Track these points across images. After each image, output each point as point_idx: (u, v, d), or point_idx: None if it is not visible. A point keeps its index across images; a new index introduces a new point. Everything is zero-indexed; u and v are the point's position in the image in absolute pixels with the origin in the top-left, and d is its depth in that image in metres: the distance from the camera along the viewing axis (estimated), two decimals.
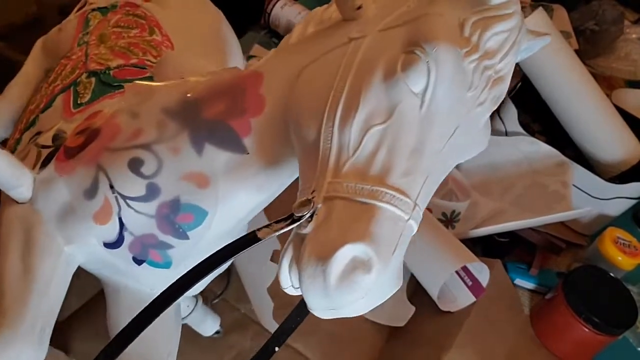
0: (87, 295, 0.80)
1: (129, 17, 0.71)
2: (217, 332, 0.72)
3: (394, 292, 0.35)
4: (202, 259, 0.37)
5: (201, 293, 0.66)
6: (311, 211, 0.35)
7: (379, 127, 0.36)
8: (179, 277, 0.37)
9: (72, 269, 0.51)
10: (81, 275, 0.55)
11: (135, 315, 0.47)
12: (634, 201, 0.94)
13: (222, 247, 0.37)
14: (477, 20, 0.37)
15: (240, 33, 1.19)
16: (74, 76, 0.60)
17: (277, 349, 0.47)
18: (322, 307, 0.34)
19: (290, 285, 0.37)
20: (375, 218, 0.34)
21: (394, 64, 0.36)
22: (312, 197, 0.36)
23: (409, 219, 0.35)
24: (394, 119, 0.36)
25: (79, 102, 0.56)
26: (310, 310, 0.35)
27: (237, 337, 0.74)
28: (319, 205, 0.35)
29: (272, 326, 0.67)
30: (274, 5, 1.21)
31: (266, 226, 0.37)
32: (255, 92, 0.45)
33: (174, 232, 0.49)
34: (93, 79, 0.58)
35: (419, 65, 0.35)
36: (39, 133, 0.56)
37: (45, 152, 0.52)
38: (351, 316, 0.35)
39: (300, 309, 0.46)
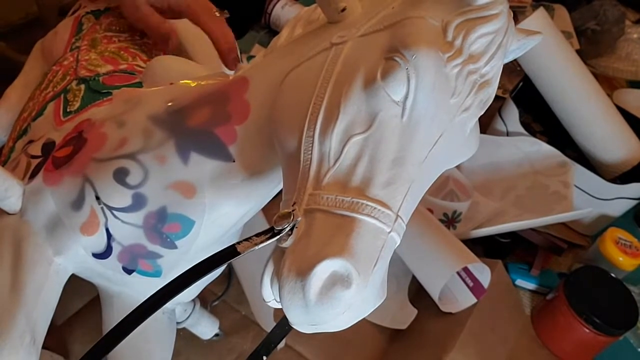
0: (88, 297, 0.80)
1: (121, 20, 0.69)
2: (216, 335, 0.71)
3: (377, 305, 0.34)
4: (178, 275, 0.36)
5: (201, 295, 0.66)
6: (291, 224, 0.34)
7: (360, 136, 0.35)
8: (157, 290, 0.36)
9: (62, 279, 0.50)
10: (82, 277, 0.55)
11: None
12: (635, 202, 0.94)
13: (199, 261, 0.36)
14: (461, 23, 0.35)
15: (240, 33, 1.19)
16: (64, 83, 0.59)
17: (265, 358, 0.47)
18: (302, 323, 0.33)
19: (272, 299, 0.36)
20: (355, 231, 0.33)
21: (374, 71, 0.35)
22: (293, 210, 0.35)
23: (390, 231, 0.34)
24: (375, 128, 0.35)
25: (68, 110, 0.55)
26: (292, 326, 0.34)
27: (237, 339, 0.74)
28: (299, 219, 0.34)
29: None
30: (274, 6, 1.21)
31: (246, 239, 0.36)
32: (240, 98, 0.44)
33: (162, 241, 0.48)
34: (82, 86, 0.57)
35: (399, 73, 0.34)
36: (30, 142, 0.55)
37: (34, 162, 0.51)
38: (333, 331, 0.34)
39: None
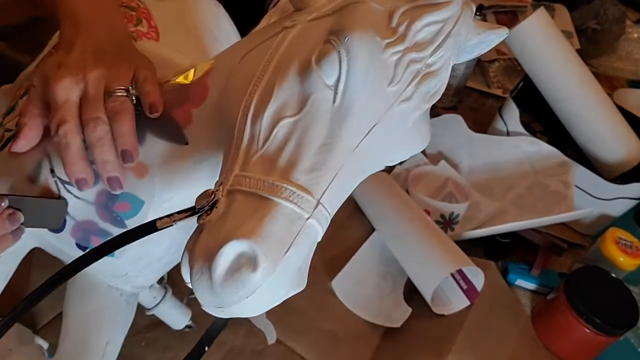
0: None
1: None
2: (189, 327, 0.69)
3: (291, 294, 0.34)
4: (99, 244, 0.37)
5: (178, 286, 0.65)
6: (210, 204, 0.34)
7: (290, 119, 0.35)
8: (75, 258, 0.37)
9: (21, 251, 0.51)
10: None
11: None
12: (636, 201, 0.93)
13: (119, 234, 0.37)
14: (408, 9, 0.35)
15: (241, 32, 1.19)
16: None
17: (207, 348, 0.47)
18: (210, 304, 0.33)
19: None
20: (270, 214, 0.32)
21: (312, 54, 0.35)
22: (216, 190, 0.35)
23: (309, 218, 0.33)
24: (306, 111, 0.35)
25: None
26: (203, 308, 0.34)
27: (228, 334, 0.73)
28: (219, 198, 0.34)
29: (263, 324, 0.66)
30: (274, 5, 1.21)
31: (167, 216, 0.36)
32: (201, 82, 0.45)
33: (113, 220, 0.48)
34: None
35: (332, 55, 0.34)
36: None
37: (7, 135, 0.52)
38: (242, 317, 0.33)
39: None
